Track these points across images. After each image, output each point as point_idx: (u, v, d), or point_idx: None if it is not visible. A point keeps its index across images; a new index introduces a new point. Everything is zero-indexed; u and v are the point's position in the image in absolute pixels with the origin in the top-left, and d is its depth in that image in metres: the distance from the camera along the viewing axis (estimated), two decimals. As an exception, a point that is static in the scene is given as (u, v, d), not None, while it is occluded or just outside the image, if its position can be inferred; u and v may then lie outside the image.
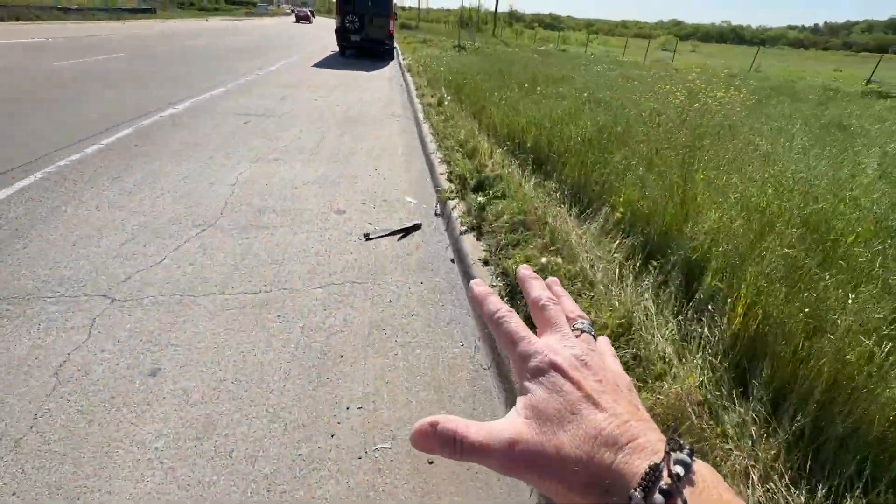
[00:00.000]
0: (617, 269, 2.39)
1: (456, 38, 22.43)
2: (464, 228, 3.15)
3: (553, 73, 8.55)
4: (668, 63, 18.31)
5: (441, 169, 4.32)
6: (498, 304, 0.33)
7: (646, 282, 2.27)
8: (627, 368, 1.82)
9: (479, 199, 3.31)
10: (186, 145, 4.65)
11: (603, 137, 3.67)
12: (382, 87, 9.55)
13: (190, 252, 2.73)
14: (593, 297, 2.24)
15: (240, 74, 9.37)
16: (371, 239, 3.12)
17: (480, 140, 4.66)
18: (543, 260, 2.41)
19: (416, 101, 7.58)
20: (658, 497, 0.21)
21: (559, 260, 2.52)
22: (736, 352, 1.70)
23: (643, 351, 1.84)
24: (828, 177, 2.83)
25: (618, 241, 2.66)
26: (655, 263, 2.30)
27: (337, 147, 5.07)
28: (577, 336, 0.32)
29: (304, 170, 4.28)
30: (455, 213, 3.39)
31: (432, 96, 7.74)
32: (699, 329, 1.88)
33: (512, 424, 0.26)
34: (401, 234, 3.22)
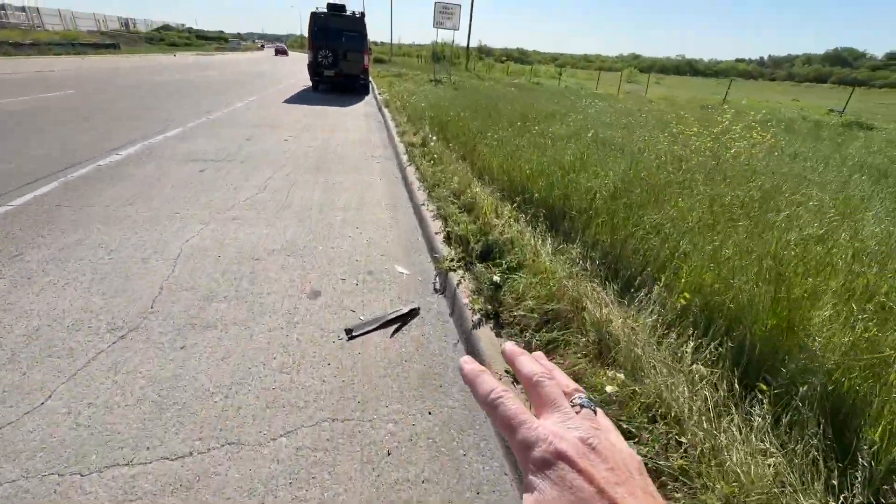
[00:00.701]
0: (707, 394, 1.71)
1: (430, 72, 22.45)
2: (476, 318, 2.43)
3: (540, 108, 8.17)
4: (642, 95, 18.66)
5: (436, 226, 3.63)
6: (492, 384, 0.30)
7: (756, 417, 1.59)
8: None
9: (495, 276, 2.61)
10: (123, 203, 3.82)
11: (633, 192, 3.08)
12: (359, 124, 8.95)
13: (93, 381, 1.89)
14: (686, 447, 1.54)
15: (202, 112, 8.60)
16: (355, 337, 2.35)
17: (478, 190, 4.03)
18: (610, 388, 1.70)
19: (397, 139, 6.98)
20: None
21: (621, 376, 1.83)
22: None
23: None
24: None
25: (689, 342, 1.99)
26: (765, 388, 1.63)
27: (309, 199, 4.33)
28: (577, 412, 0.30)
29: (269, 232, 3.51)
30: (461, 292, 2.68)
31: (414, 134, 7.16)
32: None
33: None
34: (394, 326, 2.48)
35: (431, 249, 3.43)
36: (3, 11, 48.56)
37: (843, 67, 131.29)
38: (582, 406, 0.30)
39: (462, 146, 5.79)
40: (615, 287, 2.51)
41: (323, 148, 6.52)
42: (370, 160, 6.10)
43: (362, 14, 13.41)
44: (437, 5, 17.93)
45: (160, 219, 3.57)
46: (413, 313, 2.61)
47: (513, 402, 0.29)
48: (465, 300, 2.61)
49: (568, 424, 0.28)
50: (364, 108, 11.30)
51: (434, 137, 6.35)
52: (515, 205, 3.51)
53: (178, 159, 5.27)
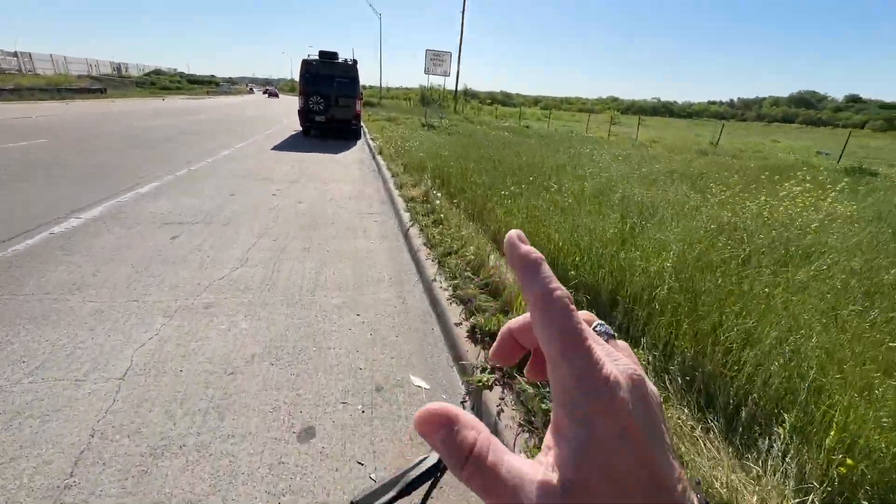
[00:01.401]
0: None
1: (420, 115, 22.52)
2: (537, 479, 1.74)
3: (545, 156, 7.80)
4: (632, 138, 18.86)
5: (455, 314, 2.99)
6: (555, 280, 0.23)
7: None
8: None
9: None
10: (69, 289, 3.11)
11: (704, 278, 2.50)
12: (352, 173, 8.46)
13: None
14: None
15: (183, 163, 8.03)
16: (367, 518, 1.63)
17: (502, 264, 3.43)
18: None
19: (396, 193, 6.45)
20: None
21: None
22: None
23: None
24: None
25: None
26: None
27: (300, 274, 3.67)
28: (608, 343, 0.25)
29: (249, 327, 2.82)
30: (504, 425, 2.00)
31: (414, 186, 6.65)
32: None
33: (556, 484, 0.19)
34: (423, 491, 1.77)
35: (453, 348, 2.76)
36: (-6, 56, 48.89)
37: (807, 109, 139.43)
38: (608, 336, 0.25)
39: (470, 203, 5.26)
40: (716, 424, 1.87)
41: (315, 203, 5.94)
42: (367, 218, 5.51)
43: (355, 61, 13.33)
44: (429, 53, 18.22)
45: (112, 312, 2.86)
46: (439, 470, 1.91)
47: (578, 315, 0.23)
48: (513, 439, 1.93)
49: (617, 362, 0.22)
50: (357, 155, 10.89)
51: (437, 192, 5.83)
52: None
53: (148, 223, 4.60)
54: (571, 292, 2.89)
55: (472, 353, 2.54)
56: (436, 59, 18.32)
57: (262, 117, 21.80)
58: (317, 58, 13.01)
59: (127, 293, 3.11)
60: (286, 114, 23.97)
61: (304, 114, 13.08)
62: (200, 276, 3.47)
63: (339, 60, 13.21)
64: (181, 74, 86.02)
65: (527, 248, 0.24)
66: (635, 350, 2.36)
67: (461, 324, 2.86)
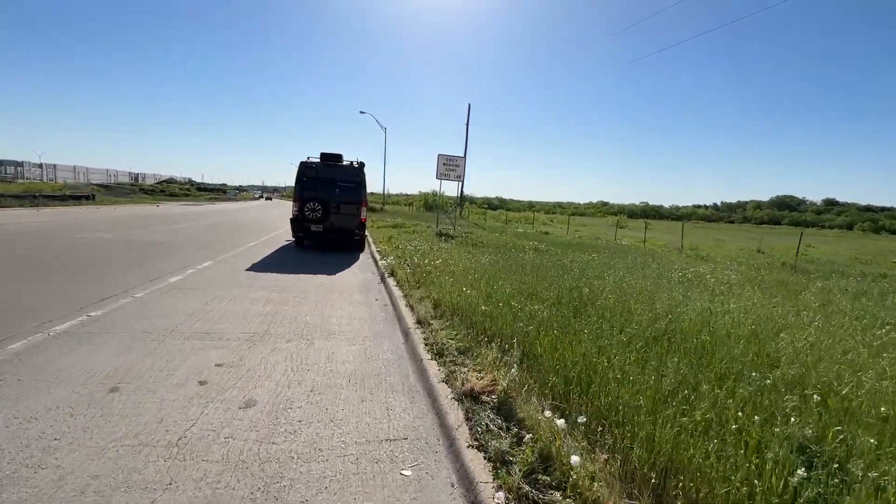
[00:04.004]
0: None
1: (425, 220, 20.75)
2: None
3: (657, 288, 5.05)
4: (678, 248, 16.67)
5: None
6: None
7: None
8: None
9: None
10: None
11: None
12: (354, 313, 5.59)
13: None
14: None
15: (92, 301, 5.17)
16: None
17: None
18: None
19: (432, 371, 3.51)
20: None
21: None
22: None
23: None
24: None
25: None
26: None
27: None
28: None
29: None
30: None
31: (463, 354, 3.75)
32: None
33: None
34: None
35: None
36: (20, 168, 50.64)
37: (790, 211, 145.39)
38: None
39: (615, 426, 2.26)
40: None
41: (277, 410, 2.92)
42: (387, 464, 2.45)
43: (362, 164, 11.41)
44: (441, 158, 16.96)
45: None
46: None
47: None
48: None
49: None
50: (361, 276, 8.17)
51: (534, 396, 2.85)
52: None
53: None
54: None
55: None
56: (449, 164, 16.98)
57: (254, 222, 19.80)
58: (317, 160, 11.09)
59: None
60: (282, 218, 22.13)
61: (298, 222, 10.75)
62: None
63: (344, 163, 11.30)
64: (192, 182, 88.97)
65: None
66: None
67: None
